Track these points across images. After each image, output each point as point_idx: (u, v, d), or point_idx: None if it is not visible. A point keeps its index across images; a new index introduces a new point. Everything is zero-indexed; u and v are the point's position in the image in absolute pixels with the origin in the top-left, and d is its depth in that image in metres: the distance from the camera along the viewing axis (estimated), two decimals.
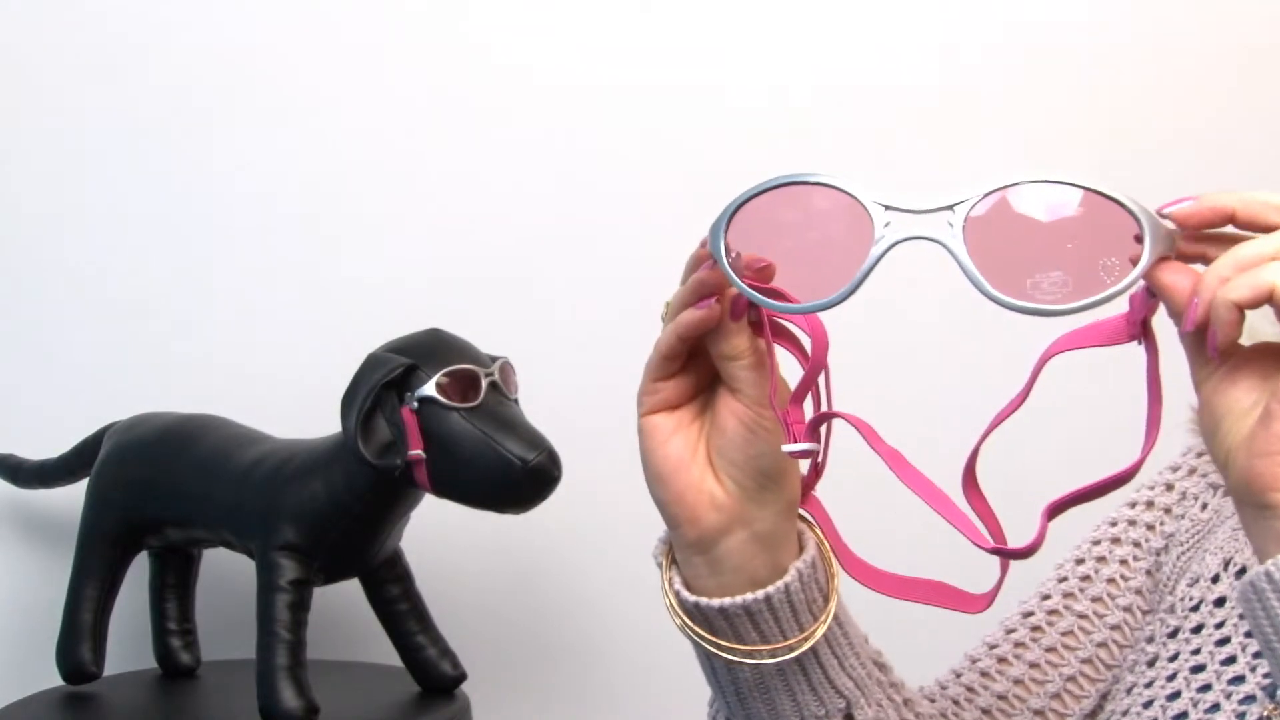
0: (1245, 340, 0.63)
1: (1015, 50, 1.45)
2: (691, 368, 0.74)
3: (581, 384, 1.36)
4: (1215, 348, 0.61)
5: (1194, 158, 1.47)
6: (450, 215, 1.37)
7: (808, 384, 0.71)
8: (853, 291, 0.65)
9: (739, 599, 0.74)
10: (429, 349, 1.07)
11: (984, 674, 0.89)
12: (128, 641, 1.27)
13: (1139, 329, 0.66)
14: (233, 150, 1.34)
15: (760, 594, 0.74)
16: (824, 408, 0.73)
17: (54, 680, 1.21)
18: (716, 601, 0.74)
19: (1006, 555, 0.67)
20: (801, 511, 0.76)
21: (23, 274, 1.32)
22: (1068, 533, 0.81)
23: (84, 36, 1.31)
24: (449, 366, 1.06)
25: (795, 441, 0.70)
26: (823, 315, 0.69)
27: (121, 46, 1.32)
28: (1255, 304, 0.60)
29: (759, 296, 0.67)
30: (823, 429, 0.73)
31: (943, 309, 1.38)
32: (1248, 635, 0.76)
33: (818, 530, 0.77)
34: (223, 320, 1.34)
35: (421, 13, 1.36)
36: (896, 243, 0.64)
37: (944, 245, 0.63)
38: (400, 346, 1.08)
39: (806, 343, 0.71)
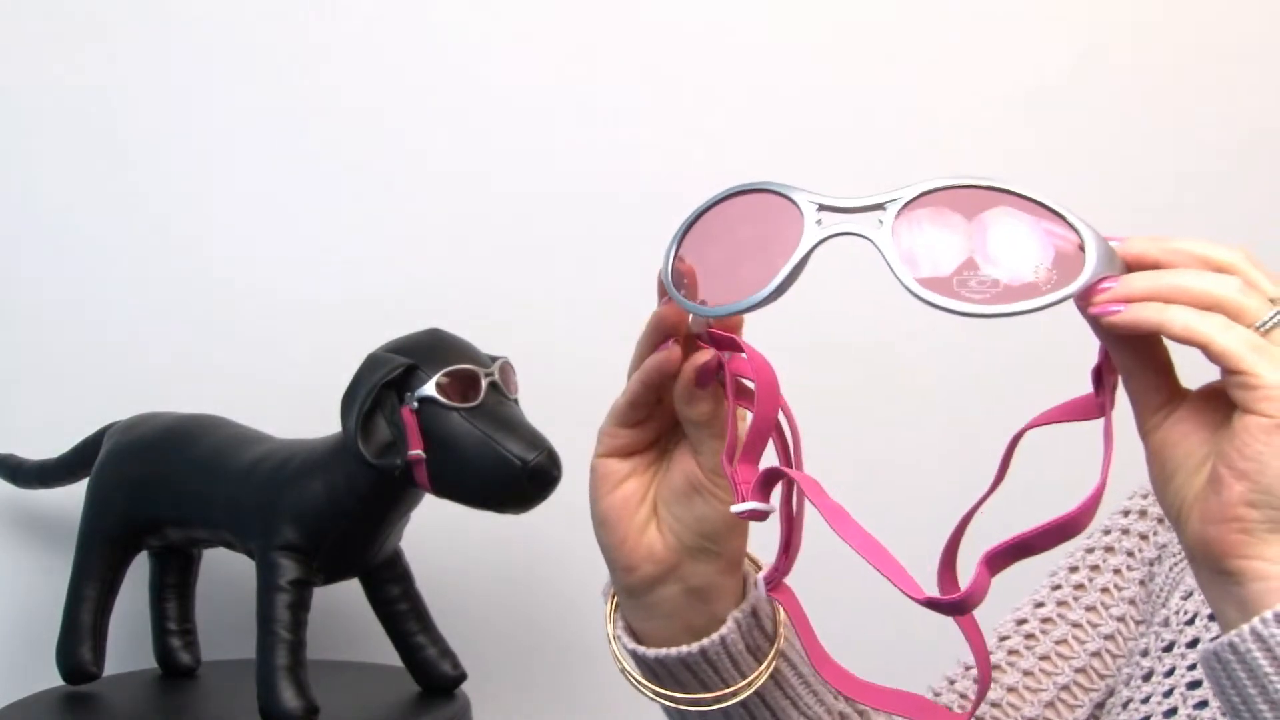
0: None
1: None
2: (656, 415, 0.73)
3: (582, 385, 1.36)
4: (1097, 316, 0.60)
5: (1175, 162, 1.47)
6: (450, 215, 1.37)
7: (755, 440, 0.69)
8: (780, 289, 0.64)
9: (674, 651, 0.73)
10: (429, 349, 1.07)
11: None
12: (128, 641, 1.27)
13: (1101, 390, 0.64)
14: (233, 149, 1.34)
15: (695, 647, 0.73)
16: (791, 463, 0.71)
17: (54, 680, 1.21)
18: (653, 653, 0.73)
19: (940, 607, 0.65)
20: (773, 599, 0.74)
21: (23, 274, 1.32)
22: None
23: (87, 37, 1.31)
24: (449, 366, 1.06)
25: (744, 500, 0.68)
26: (780, 369, 0.67)
27: (119, 45, 1.32)
28: (1179, 340, 0.59)
29: (686, 302, 0.65)
30: (795, 510, 0.71)
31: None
32: (1213, 620, 0.76)
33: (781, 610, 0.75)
34: (223, 320, 1.34)
35: (421, 12, 1.36)
36: (824, 239, 0.63)
37: (871, 240, 0.62)
38: (400, 346, 1.08)
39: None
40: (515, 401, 1.09)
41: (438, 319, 1.11)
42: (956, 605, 0.64)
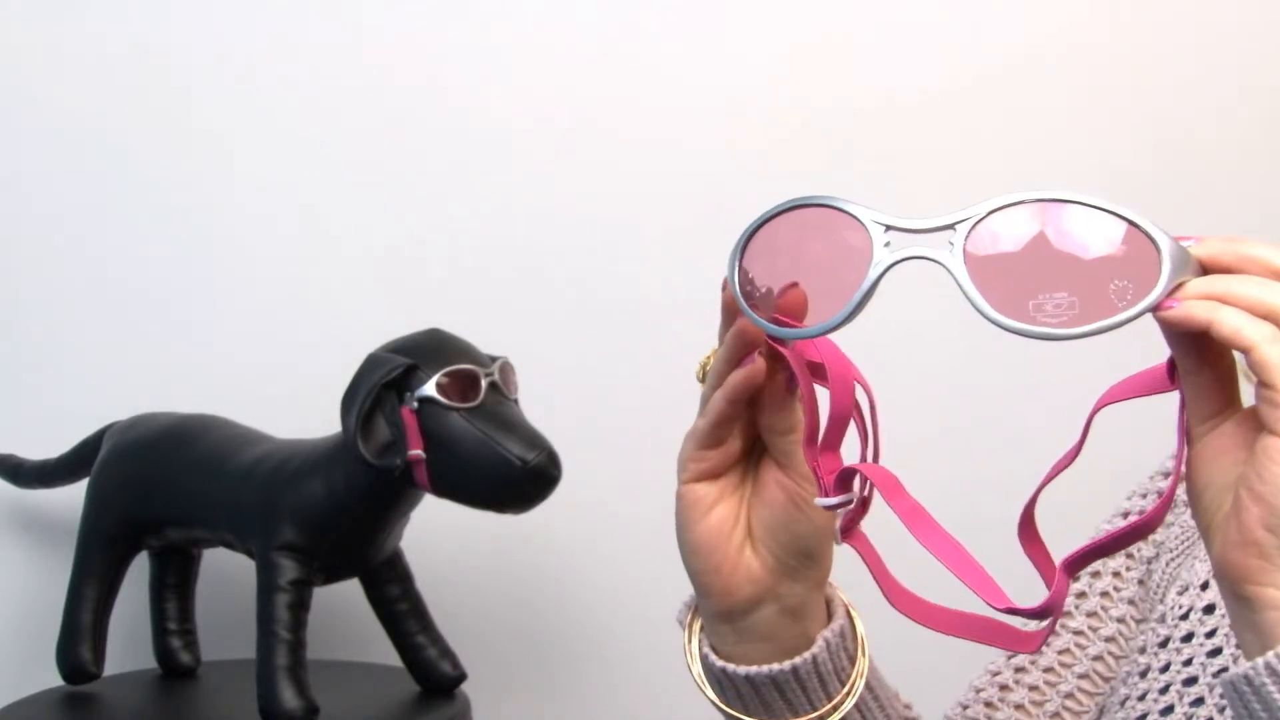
0: None
1: (1024, 61, 1.45)
2: (737, 433, 0.71)
3: (581, 384, 1.36)
4: (1163, 313, 0.58)
5: (1212, 171, 1.47)
6: (450, 215, 1.37)
7: (835, 426, 0.67)
8: (852, 314, 0.62)
9: (765, 669, 0.72)
10: (429, 349, 1.07)
11: (988, 704, 0.88)
12: (128, 641, 1.27)
13: (1175, 379, 0.62)
14: (232, 149, 1.34)
15: (787, 665, 0.71)
16: (870, 453, 0.69)
17: (54, 680, 1.21)
18: (743, 670, 0.72)
19: (1021, 615, 0.63)
20: (847, 545, 0.72)
21: (23, 274, 1.32)
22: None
23: (85, 37, 1.31)
24: (449, 366, 1.06)
25: (827, 495, 0.67)
26: (853, 354, 0.67)
27: (123, 48, 1.32)
28: (1225, 342, 0.57)
29: (765, 323, 0.64)
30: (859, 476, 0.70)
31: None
32: (1239, 646, 0.76)
33: (845, 595, 0.75)
34: (223, 320, 1.34)
35: (420, 11, 1.36)
36: (894, 263, 0.62)
37: (943, 265, 0.60)
38: (400, 346, 1.08)
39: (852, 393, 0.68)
40: (515, 401, 1.09)
41: (438, 319, 1.11)
42: (1038, 614, 0.62)
